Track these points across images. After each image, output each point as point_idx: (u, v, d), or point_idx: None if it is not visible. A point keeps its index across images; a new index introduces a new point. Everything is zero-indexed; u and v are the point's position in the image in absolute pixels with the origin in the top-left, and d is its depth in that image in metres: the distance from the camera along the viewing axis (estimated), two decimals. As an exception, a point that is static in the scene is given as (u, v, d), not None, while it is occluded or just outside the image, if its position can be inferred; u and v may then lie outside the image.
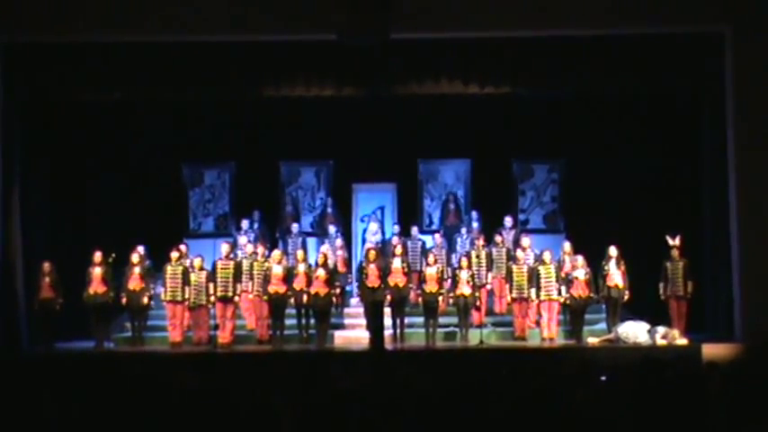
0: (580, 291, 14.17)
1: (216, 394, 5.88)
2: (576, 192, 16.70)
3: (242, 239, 15.58)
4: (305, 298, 14.14)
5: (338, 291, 14.88)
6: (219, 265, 14.31)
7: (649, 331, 13.73)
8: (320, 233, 16.71)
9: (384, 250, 15.20)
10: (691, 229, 14.66)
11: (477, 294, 14.38)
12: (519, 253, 14.73)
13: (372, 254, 14.39)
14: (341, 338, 14.55)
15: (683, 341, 13.70)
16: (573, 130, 16.51)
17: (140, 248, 14.58)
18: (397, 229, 15.81)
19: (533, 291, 14.27)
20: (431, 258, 14.47)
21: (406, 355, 13.42)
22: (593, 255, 14.54)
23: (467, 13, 13.76)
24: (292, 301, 14.24)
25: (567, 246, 14.89)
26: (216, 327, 14.19)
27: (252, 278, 14.40)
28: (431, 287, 14.20)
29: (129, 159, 16.71)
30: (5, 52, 14.27)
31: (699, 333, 14.16)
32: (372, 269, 14.17)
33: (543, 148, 16.87)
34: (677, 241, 14.33)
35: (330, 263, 14.58)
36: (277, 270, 14.16)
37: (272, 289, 14.10)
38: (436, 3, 13.76)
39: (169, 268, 14.30)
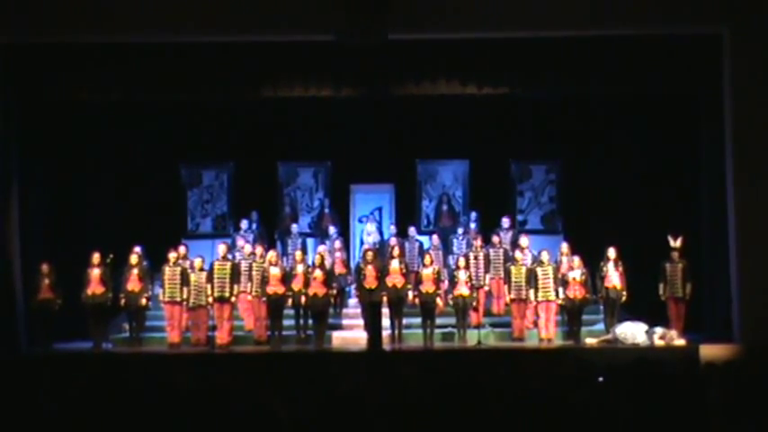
0: (576, 291, 14.18)
1: (214, 395, 5.88)
2: (574, 192, 16.73)
3: (239, 241, 15.58)
4: (303, 299, 14.15)
5: (336, 291, 14.88)
6: (216, 265, 14.30)
7: (647, 332, 13.74)
8: (317, 234, 16.72)
9: (382, 251, 15.21)
10: (689, 229, 14.65)
11: (474, 295, 14.40)
12: (517, 254, 14.74)
13: (370, 255, 14.40)
14: (339, 339, 14.56)
15: (680, 342, 13.71)
16: (571, 131, 16.54)
17: (138, 249, 14.55)
18: (393, 229, 15.82)
19: (532, 292, 14.30)
20: (427, 259, 14.48)
21: (404, 356, 13.42)
22: (591, 255, 14.56)
23: (465, 14, 13.76)
24: (290, 301, 14.25)
25: (565, 246, 14.90)
26: (214, 327, 14.20)
27: (250, 279, 14.40)
28: (427, 288, 14.20)
29: (127, 160, 16.73)
30: (5, 52, 14.25)
31: (696, 334, 14.17)
32: (370, 270, 14.17)
33: (541, 149, 16.91)
34: (678, 243, 14.34)
35: (327, 263, 14.59)
36: (275, 271, 14.16)
37: (270, 290, 14.10)
38: (434, 3, 13.76)
39: (167, 269, 14.31)
